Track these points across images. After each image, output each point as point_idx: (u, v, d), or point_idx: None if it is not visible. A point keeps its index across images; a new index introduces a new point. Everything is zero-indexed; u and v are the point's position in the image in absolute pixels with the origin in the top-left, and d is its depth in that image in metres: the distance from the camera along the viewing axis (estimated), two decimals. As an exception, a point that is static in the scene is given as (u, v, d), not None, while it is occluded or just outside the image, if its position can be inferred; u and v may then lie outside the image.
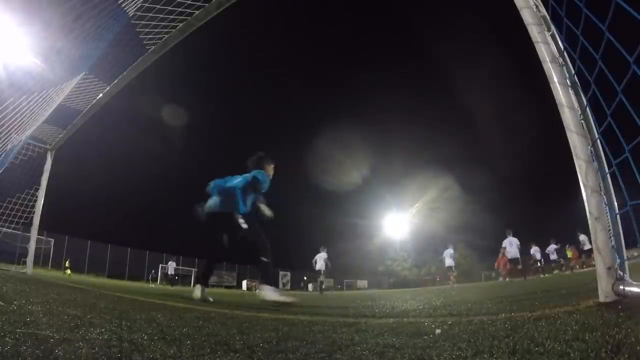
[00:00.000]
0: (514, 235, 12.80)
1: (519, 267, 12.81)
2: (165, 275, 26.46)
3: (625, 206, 1.42)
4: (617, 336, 0.92)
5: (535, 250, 15.71)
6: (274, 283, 3.79)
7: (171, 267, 25.15)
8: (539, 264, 15.80)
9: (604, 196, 1.53)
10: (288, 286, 33.96)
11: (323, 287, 14.54)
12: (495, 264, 16.28)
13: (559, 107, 1.68)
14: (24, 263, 8.34)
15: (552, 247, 16.00)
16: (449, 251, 15.74)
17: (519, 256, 12.65)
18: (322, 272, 14.10)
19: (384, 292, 14.26)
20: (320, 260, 13.95)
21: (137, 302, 3.11)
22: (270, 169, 4.46)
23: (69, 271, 20.15)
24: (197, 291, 4.01)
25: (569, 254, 18.00)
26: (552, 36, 1.80)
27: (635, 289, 1.35)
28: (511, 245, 12.66)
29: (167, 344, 1.15)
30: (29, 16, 3.05)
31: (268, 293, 3.58)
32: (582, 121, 1.62)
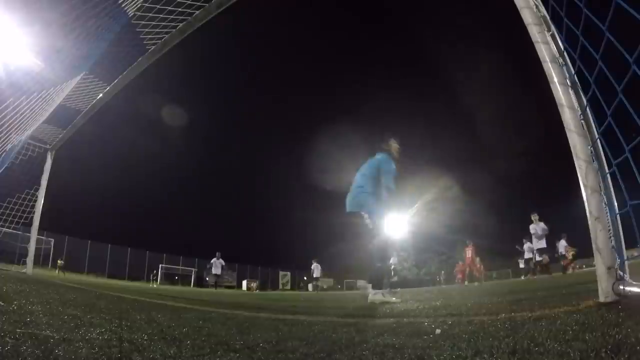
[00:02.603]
0: (540, 220, 10.40)
1: (544, 261, 10.72)
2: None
3: (625, 206, 1.42)
4: (617, 336, 0.92)
5: (561, 245, 14.97)
6: (379, 286, 3.65)
7: (217, 265, 16.25)
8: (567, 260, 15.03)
9: (604, 196, 1.53)
10: (288, 286, 33.98)
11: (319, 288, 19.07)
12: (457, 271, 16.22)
13: (559, 107, 1.68)
14: (24, 263, 8.34)
15: (527, 245, 15.17)
16: (393, 259, 16.98)
17: (546, 245, 10.49)
18: (319, 278, 18.68)
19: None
20: (317, 269, 18.38)
21: (137, 302, 3.11)
22: (395, 149, 4.08)
23: (58, 271, 19.16)
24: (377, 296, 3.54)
25: (570, 255, 17.92)
26: (552, 36, 1.79)
27: (635, 289, 1.35)
28: (537, 233, 10.35)
29: (167, 344, 1.15)
30: (29, 16, 3.05)
31: (374, 297, 3.53)
32: (582, 121, 1.62)
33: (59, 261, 20.70)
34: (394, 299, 3.61)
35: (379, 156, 4.00)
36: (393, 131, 4.17)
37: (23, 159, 7.02)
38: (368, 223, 3.69)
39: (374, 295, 3.56)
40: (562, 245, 14.28)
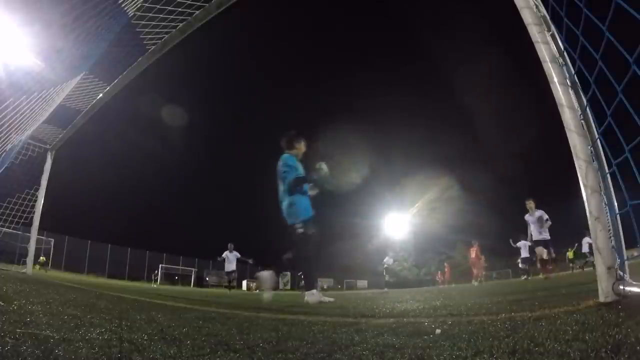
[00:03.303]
0: (538, 207, 8.27)
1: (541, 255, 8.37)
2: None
3: (625, 206, 1.42)
4: (617, 336, 0.92)
5: (585, 242, 13.68)
6: (314, 287, 3.79)
7: (230, 260, 12.44)
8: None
9: (604, 196, 1.53)
10: (288, 286, 33.98)
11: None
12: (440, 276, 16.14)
13: (559, 107, 1.68)
14: (24, 263, 8.34)
15: (522, 242, 12.84)
16: (388, 260, 16.83)
17: (548, 237, 8.26)
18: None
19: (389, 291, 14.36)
20: None
21: (137, 302, 3.11)
22: (301, 147, 4.11)
23: (37, 266, 17.61)
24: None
25: (570, 255, 17.98)
26: (552, 36, 1.79)
27: (635, 289, 1.35)
28: (535, 224, 8.17)
29: (167, 344, 1.15)
30: (29, 16, 3.05)
31: (311, 297, 3.67)
32: (582, 121, 1.62)
33: (41, 258, 19.62)
34: (327, 299, 3.72)
35: (282, 159, 4.00)
36: (305, 132, 4.16)
37: (23, 159, 7.02)
38: (301, 231, 3.76)
39: (310, 297, 3.66)
40: (586, 242, 13.49)
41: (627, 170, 1.35)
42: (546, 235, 8.18)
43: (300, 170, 3.96)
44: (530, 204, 8.34)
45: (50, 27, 3.07)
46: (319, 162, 3.91)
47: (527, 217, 8.43)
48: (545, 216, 8.12)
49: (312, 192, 4.12)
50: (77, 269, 23.91)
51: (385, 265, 17.10)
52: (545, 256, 8.15)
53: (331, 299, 3.72)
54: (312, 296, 3.62)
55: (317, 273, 4.03)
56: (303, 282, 3.96)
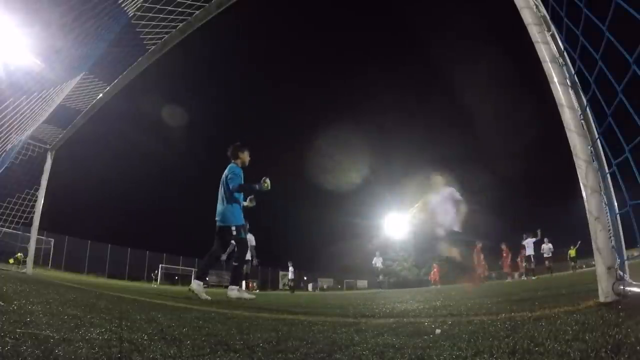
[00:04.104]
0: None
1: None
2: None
3: (625, 206, 1.42)
4: (617, 336, 0.92)
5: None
6: (236, 283, 4.34)
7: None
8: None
9: (604, 196, 1.53)
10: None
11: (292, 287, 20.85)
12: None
13: (559, 107, 1.68)
14: (24, 263, 8.33)
15: (528, 240, 14.24)
16: (378, 259, 17.30)
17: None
18: (294, 279, 20.45)
19: (385, 292, 14.37)
20: (291, 273, 20.19)
21: (137, 302, 3.11)
22: (245, 156, 4.49)
23: (11, 260, 16.29)
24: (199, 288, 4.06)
25: (572, 253, 17.98)
26: (552, 36, 1.79)
27: (635, 289, 1.35)
28: (444, 207, 5.50)
29: (167, 344, 1.15)
30: (29, 16, 3.05)
31: (232, 293, 4.11)
32: (582, 121, 1.62)
33: (18, 254, 17.04)
34: (248, 295, 4.24)
35: (228, 168, 4.37)
36: (249, 143, 4.56)
37: (23, 159, 7.01)
38: (235, 235, 4.19)
39: (231, 292, 4.09)
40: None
41: (627, 170, 1.35)
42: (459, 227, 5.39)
43: (242, 180, 4.31)
44: (437, 178, 5.71)
45: (50, 28, 3.07)
46: (264, 177, 4.31)
47: (431, 197, 5.80)
48: (458, 196, 5.46)
49: (249, 204, 4.59)
50: (77, 269, 23.87)
51: (377, 266, 17.27)
52: (454, 254, 5.61)
53: (252, 296, 4.20)
54: (232, 291, 4.07)
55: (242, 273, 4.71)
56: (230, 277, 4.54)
